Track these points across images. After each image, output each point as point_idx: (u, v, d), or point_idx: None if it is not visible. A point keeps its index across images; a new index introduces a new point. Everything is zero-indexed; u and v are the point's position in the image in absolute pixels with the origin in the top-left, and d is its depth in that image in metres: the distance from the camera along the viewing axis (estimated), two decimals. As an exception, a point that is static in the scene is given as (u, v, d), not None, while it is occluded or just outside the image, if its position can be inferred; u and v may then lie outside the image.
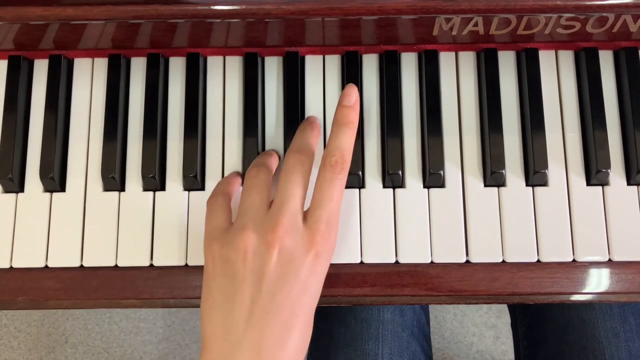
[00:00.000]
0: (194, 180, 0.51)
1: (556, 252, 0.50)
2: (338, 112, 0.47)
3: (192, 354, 1.26)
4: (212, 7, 0.43)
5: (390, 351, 0.65)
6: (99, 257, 0.51)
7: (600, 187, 0.51)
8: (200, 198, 0.51)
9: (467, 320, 1.24)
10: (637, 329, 0.64)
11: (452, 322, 1.24)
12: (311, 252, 0.43)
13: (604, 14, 0.45)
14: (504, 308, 1.22)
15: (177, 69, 0.54)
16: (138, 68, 0.54)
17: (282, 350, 0.42)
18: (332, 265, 0.50)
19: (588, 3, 0.43)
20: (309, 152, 0.47)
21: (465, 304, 0.52)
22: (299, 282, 0.43)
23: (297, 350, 0.43)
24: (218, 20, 0.45)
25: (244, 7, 0.42)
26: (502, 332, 1.23)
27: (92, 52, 0.53)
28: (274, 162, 0.50)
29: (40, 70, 0.54)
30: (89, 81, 0.54)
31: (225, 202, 0.48)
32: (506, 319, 1.23)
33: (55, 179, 0.51)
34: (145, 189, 0.52)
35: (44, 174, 0.51)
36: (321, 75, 0.53)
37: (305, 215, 0.45)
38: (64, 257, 0.51)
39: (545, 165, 0.50)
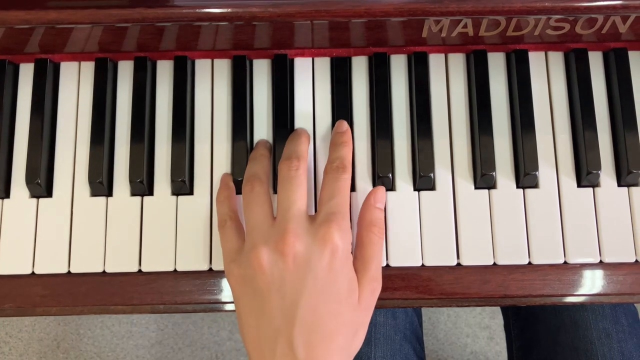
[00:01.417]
0: (182, 184, 0.50)
1: (547, 254, 0.50)
2: (334, 138, 0.50)
3: (184, 358, 1.25)
4: (197, 10, 0.42)
5: (382, 354, 0.65)
6: (86, 263, 0.50)
7: (591, 189, 0.51)
8: (188, 203, 0.51)
9: (460, 321, 1.24)
10: (630, 329, 0.64)
11: (445, 323, 1.24)
12: (326, 249, 0.44)
13: (593, 16, 0.45)
14: (497, 309, 1.22)
15: (164, 72, 0.53)
16: (125, 71, 0.53)
17: (318, 352, 0.42)
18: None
19: (576, 5, 0.43)
20: (300, 156, 0.48)
21: (457, 306, 0.52)
22: (317, 282, 0.43)
23: (338, 352, 0.43)
24: (205, 24, 0.45)
25: (229, 10, 0.42)
26: (496, 333, 1.23)
27: (79, 56, 0.53)
28: (265, 165, 0.50)
29: (26, 74, 0.53)
30: (75, 85, 0.53)
31: (234, 223, 0.48)
32: (500, 319, 1.23)
33: (41, 184, 0.50)
34: (133, 194, 0.51)
35: (30, 180, 0.50)
36: (310, 77, 0.53)
37: (314, 216, 0.46)
38: (51, 263, 0.50)
39: (535, 167, 0.50)
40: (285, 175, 0.47)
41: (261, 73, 0.53)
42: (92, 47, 0.51)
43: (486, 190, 0.51)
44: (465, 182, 0.51)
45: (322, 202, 0.47)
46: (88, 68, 0.53)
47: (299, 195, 0.46)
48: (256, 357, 0.43)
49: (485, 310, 1.25)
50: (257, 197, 0.47)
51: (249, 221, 0.46)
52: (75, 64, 0.53)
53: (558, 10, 0.43)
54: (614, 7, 0.43)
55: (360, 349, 0.64)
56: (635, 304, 0.68)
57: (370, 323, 0.66)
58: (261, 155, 0.50)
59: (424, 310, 1.14)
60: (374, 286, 0.46)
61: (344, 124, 0.51)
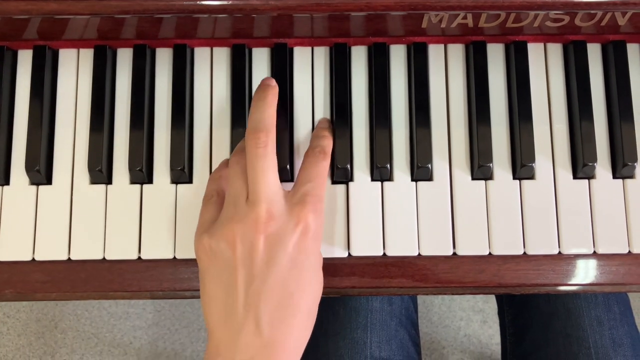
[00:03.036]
0: (181, 173, 0.50)
1: (542, 244, 0.50)
2: (317, 131, 0.51)
3: (181, 339, 1.27)
4: (198, 2, 0.42)
5: (378, 339, 0.66)
6: (86, 250, 0.50)
7: (587, 181, 0.51)
8: (188, 191, 0.51)
9: (454, 304, 1.26)
10: (621, 317, 0.66)
11: (440, 306, 1.25)
12: (299, 227, 0.44)
13: (592, 11, 0.45)
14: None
15: (164, 60, 0.53)
16: (124, 59, 0.53)
17: (281, 329, 0.42)
18: (320, 257, 0.50)
19: (576, 1, 0.43)
20: (266, 128, 0.46)
21: (452, 294, 0.53)
22: (288, 260, 0.43)
23: (300, 329, 0.44)
24: (204, 15, 0.45)
25: (230, 2, 0.42)
26: (489, 317, 1.25)
27: (78, 43, 0.53)
28: None
29: (24, 60, 0.53)
30: (74, 72, 0.53)
31: (219, 200, 0.48)
32: (493, 303, 1.25)
33: (41, 171, 0.50)
34: (133, 182, 0.51)
35: (30, 167, 0.50)
36: (309, 67, 0.53)
37: (290, 194, 0.46)
38: (51, 250, 0.50)
39: (532, 158, 0.50)
40: (253, 152, 0.46)
41: (260, 62, 0.53)
42: (91, 34, 0.51)
43: (483, 181, 0.51)
44: (462, 173, 0.51)
45: (300, 182, 0.47)
46: (87, 55, 0.53)
47: (268, 173, 0.45)
48: (219, 333, 0.43)
49: (478, 295, 1.26)
50: (242, 171, 0.47)
51: (229, 194, 0.46)
52: (74, 51, 0.53)
53: (558, 6, 0.43)
54: (613, 3, 0.43)
55: (357, 334, 0.65)
56: (627, 292, 0.69)
57: (367, 309, 0.67)
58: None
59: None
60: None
61: (327, 123, 0.52)
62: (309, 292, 0.44)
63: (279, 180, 0.46)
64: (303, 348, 0.45)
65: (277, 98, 0.49)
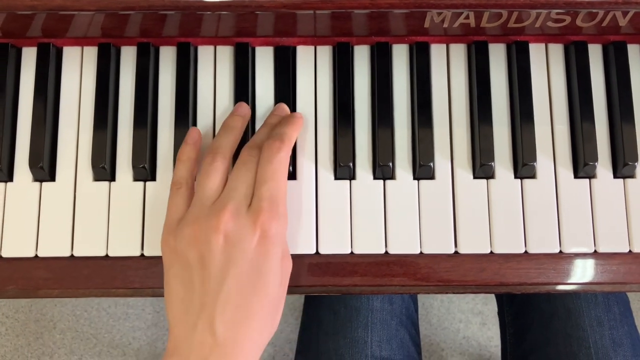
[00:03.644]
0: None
1: (543, 243, 0.50)
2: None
3: (181, 340, 1.27)
4: (204, -1, 0.42)
5: (379, 339, 0.66)
6: (89, 247, 0.51)
7: (588, 180, 0.51)
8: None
9: (453, 307, 1.26)
10: (621, 317, 0.66)
11: (439, 308, 1.26)
12: (256, 232, 0.44)
13: (594, 10, 0.46)
14: (490, 295, 1.24)
15: (167, 58, 0.53)
16: (128, 57, 0.53)
17: (236, 330, 0.43)
18: (322, 255, 0.51)
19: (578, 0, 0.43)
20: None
21: (454, 293, 0.53)
22: (246, 263, 0.44)
23: (257, 332, 0.44)
24: (209, 12, 0.45)
25: (236, -1, 0.42)
26: (489, 319, 1.25)
27: (82, 41, 0.53)
28: (234, 139, 0.50)
29: (29, 58, 0.53)
30: (78, 70, 0.53)
31: (187, 191, 0.48)
32: (492, 305, 1.25)
33: (44, 168, 0.51)
34: (136, 179, 0.51)
35: (34, 164, 0.50)
36: (312, 65, 0.53)
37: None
38: (54, 246, 0.51)
39: (534, 157, 0.50)
40: (244, 160, 0.47)
41: (264, 60, 0.53)
42: (95, 32, 0.51)
43: (485, 180, 0.51)
44: (464, 171, 0.51)
45: (257, 182, 0.46)
46: (91, 53, 0.53)
47: (245, 180, 0.46)
48: (177, 329, 0.44)
49: (478, 297, 1.26)
50: (214, 172, 0.47)
51: (198, 193, 0.47)
52: (77, 48, 0.53)
53: (561, 5, 0.44)
54: (615, 2, 0.44)
55: (357, 333, 0.66)
56: (627, 293, 0.69)
57: (367, 308, 0.67)
58: (234, 127, 0.50)
59: (418, 296, 1.15)
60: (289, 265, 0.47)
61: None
62: (268, 295, 0.44)
63: (252, 189, 0.46)
64: (261, 350, 0.45)
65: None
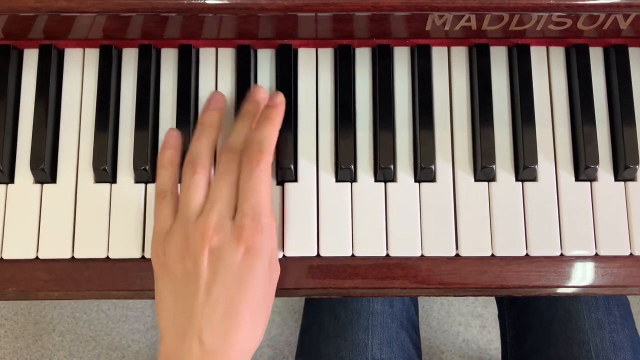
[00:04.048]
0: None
1: (544, 246, 0.50)
2: (263, 111, 0.49)
3: (180, 343, 1.26)
4: (206, 1, 0.42)
5: (379, 341, 0.66)
6: (90, 248, 0.51)
7: (589, 183, 0.51)
8: (192, 190, 0.51)
9: (453, 309, 1.26)
10: (621, 320, 0.66)
11: (439, 311, 1.26)
12: (240, 247, 0.45)
13: (595, 13, 0.46)
14: (490, 298, 1.24)
15: (169, 60, 0.53)
16: (130, 59, 0.53)
17: (225, 342, 0.44)
18: (323, 257, 0.51)
19: (580, 3, 0.43)
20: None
21: (454, 296, 0.53)
22: (232, 276, 0.44)
23: (244, 340, 0.45)
24: (211, 15, 0.45)
25: (238, 1, 0.42)
26: (488, 322, 1.25)
27: (83, 43, 0.53)
28: (211, 143, 0.49)
29: (30, 60, 0.53)
30: (79, 72, 0.53)
31: (172, 201, 0.48)
32: (492, 308, 1.25)
33: (46, 170, 0.51)
34: (137, 181, 0.51)
35: (35, 165, 0.50)
36: (314, 68, 0.53)
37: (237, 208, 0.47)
38: (55, 248, 0.51)
39: (535, 160, 0.50)
40: (224, 168, 0.47)
41: (265, 63, 0.54)
42: (97, 34, 0.51)
43: (486, 183, 0.51)
44: (465, 174, 0.52)
45: (240, 196, 0.46)
46: (92, 55, 0.53)
47: (227, 191, 0.46)
48: (168, 338, 0.45)
49: (477, 299, 1.26)
50: (195, 186, 0.47)
51: (182, 208, 0.47)
52: (79, 50, 0.53)
53: (562, 8, 0.44)
54: (617, 5, 0.44)
55: (358, 336, 0.65)
56: (628, 296, 0.69)
57: (368, 311, 0.67)
58: (210, 125, 0.49)
59: (418, 298, 1.15)
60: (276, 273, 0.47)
61: (279, 95, 0.50)
62: (253, 305, 0.45)
63: (235, 200, 0.46)
64: (249, 356, 0.46)
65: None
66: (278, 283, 0.49)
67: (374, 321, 0.66)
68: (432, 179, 0.51)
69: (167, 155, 0.49)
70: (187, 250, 0.45)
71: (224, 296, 0.44)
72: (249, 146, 0.47)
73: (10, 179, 0.52)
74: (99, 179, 0.51)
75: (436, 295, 0.54)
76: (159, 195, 0.48)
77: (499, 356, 1.16)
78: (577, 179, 0.52)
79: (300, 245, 0.50)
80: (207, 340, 0.43)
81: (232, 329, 0.44)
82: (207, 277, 0.44)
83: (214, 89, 0.53)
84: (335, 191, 0.51)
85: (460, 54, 0.53)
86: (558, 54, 0.53)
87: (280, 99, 0.50)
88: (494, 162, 0.51)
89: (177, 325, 0.45)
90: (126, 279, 0.51)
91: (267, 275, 0.46)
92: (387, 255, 0.51)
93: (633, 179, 0.51)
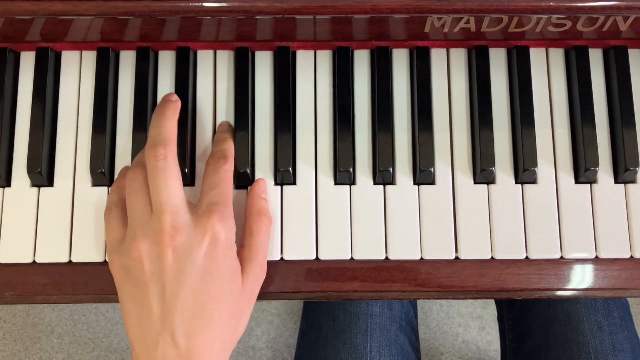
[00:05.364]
0: (184, 176, 0.50)
1: (544, 249, 0.50)
2: (217, 136, 0.51)
3: (179, 345, 1.26)
4: (204, 4, 0.42)
5: (378, 345, 0.66)
6: (88, 253, 0.50)
7: (589, 185, 0.51)
8: (191, 193, 0.51)
9: (453, 311, 1.25)
10: (621, 322, 0.66)
11: (438, 312, 1.25)
12: (206, 238, 0.44)
13: (595, 16, 0.46)
14: (490, 300, 1.23)
15: (167, 63, 0.53)
16: (127, 62, 0.53)
17: (198, 340, 0.43)
18: (322, 261, 0.50)
19: (580, 5, 0.43)
20: (166, 142, 0.46)
21: (454, 299, 0.53)
22: (198, 272, 0.43)
23: (219, 339, 0.44)
24: (210, 17, 0.45)
25: (236, 4, 0.42)
26: (488, 323, 1.25)
27: (81, 45, 0.53)
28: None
29: (27, 62, 0.53)
30: (77, 75, 0.53)
31: (119, 212, 0.48)
32: (492, 310, 1.25)
33: (43, 173, 0.50)
34: (135, 185, 0.51)
35: (32, 169, 0.50)
36: (312, 70, 0.53)
37: (197, 205, 0.46)
38: (53, 252, 0.50)
39: (535, 163, 0.50)
40: (152, 167, 0.45)
41: (263, 65, 0.53)
42: (94, 36, 0.51)
43: (485, 186, 0.51)
44: (464, 177, 0.51)
45: (204, 192, 0.47)
46: (90, 58, 0.53)
47: (172, 186, 0.45)
48: (140, 349, 0.44)
49: (477, 301, 1.26)
50: (139, 187, 0.46)
51: (130, 211, 0.46)
52: (76, 53, 0.53)
53: (562, 10, 0.44)
54: (617, 7, 0.44)
55: (357, 339, 0.65)
56: (627, 298, 0.69)
57: (367, 314, 0.67)
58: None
59: (417, 300, 1.15)
60: (259, 274, 0.47)
61: (227, 126, 0.52)
62: (224, 301, 0.44)
63: (183, 192, 0.46)
64: (228, 355, 0.45)
65: (178, 112, 0.49)
66: (277, 286, 0.49)
67: (373, 324, 0.66)
68: (431, 181, 0.51)
69: (118, 183, 0.49)
70: (149, 251, 0.44)
71: (192, 294, 0.43)
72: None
73: (7, 183, 0.51)
74: (96, 183, 0.51)
75: (436, 299, 0.53)
76: (107, 211, 0.48)
77: (499, 358, 1.16)
78: (577, 182, 0.51)
79: (299, 249, 0.50)
80: (182, 343, 0.42)
81: (206, 327, 0.43)
82: (173, 276, 0.43)
83: (212, 91, 0.53)
84: (334, 194, 0.51)
85: (459, 56, 0.53)
86: (558, 56, 0.53)
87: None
88: (493, 164, 0.50)
89: (147, 334, 0.43)
90: (124, 282, 0.50)
91: (235, 269, 0.45)
92: (387, 258, 0.50)
93: (633, 182, 0.51)
